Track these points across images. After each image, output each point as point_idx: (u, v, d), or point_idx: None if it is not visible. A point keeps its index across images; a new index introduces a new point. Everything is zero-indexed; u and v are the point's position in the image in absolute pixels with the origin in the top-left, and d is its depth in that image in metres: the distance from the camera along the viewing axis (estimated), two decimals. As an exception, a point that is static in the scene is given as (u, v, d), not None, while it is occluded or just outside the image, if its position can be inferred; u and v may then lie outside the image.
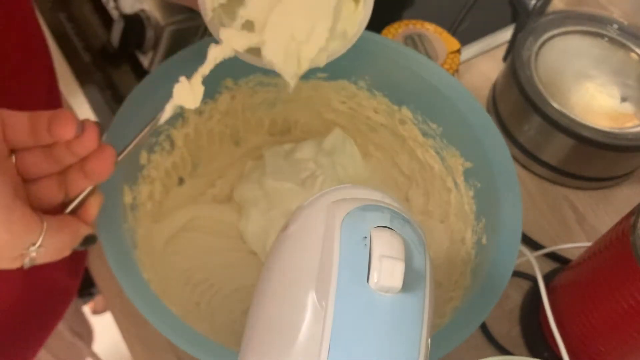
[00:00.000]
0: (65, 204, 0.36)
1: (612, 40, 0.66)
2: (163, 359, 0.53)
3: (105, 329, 0.90)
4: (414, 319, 0.28)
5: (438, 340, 0.40)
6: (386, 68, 0.52)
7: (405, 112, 0.54)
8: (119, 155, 0.36)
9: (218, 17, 0.39)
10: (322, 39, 0.37)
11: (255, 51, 0.39)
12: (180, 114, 0.51)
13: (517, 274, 0.58)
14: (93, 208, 0.37)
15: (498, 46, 0.74)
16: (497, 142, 0.49)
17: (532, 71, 0.63)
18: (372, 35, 0.50)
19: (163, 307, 0.41)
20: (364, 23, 0.39)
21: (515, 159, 0.65)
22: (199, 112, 0.52)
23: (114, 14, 0.63)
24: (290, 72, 0.39)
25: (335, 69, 0.53)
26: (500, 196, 0.47)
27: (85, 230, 0.36)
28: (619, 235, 0.44)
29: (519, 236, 0.45)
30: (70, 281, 0.62)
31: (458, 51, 0.63)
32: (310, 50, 0.38)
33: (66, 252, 0.35)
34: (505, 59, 0.72)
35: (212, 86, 0.52)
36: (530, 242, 0.60)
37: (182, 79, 0.37)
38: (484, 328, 0.55)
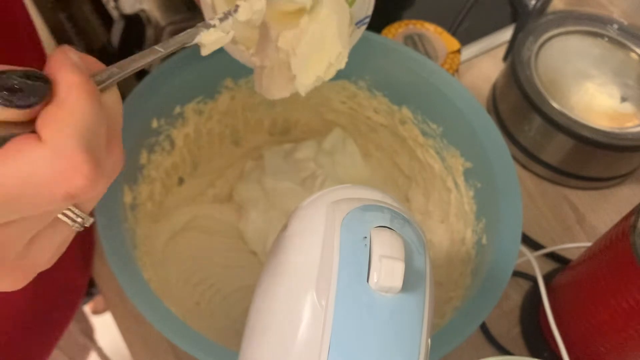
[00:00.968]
0: None
1: (612, 40, 0.66)
2: (163, 359, 0.53)
3: (105, 329, 0.90)
4: (414, 319, 0.28)
5: (438, 340, 0.40)
6: (386, 68, 0.52)
7: (406, 112, 0.54)
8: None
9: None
10: (343, 63, 0.40)
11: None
12: (180, 114, 0.51)
13: (517, 274, 0.58)
14: None
15: (498, 46, 0.74)
16: (497, 142, 0.49)
17: (532, 71, 0.63)
18: (372, 35, 0.50)
19: (163, 307, 0.41)
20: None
21: (515, 159, 0.65)
22: (198, 112, 0.52)
23: (114, 14, 0.63)
24: (305, 88, 0.40)
25: (335, 69, 0.53)
26: (500, 196, 0.46)
27: None
28: (619, 235, 0.44)
29: (519, 236, 0.45)
30: (81, 279, 0.62)
31: (458, 51, 0.63)
32: (330, 74, 0.40)
33: None
34: (505, 59, 0.72)
35: (212, 86, 0.52)
36: (530, 242, 0.60)
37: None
38: (484, 328, 0.55)
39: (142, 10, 0.59)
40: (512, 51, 0.65)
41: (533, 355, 0.54)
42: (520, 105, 0.62)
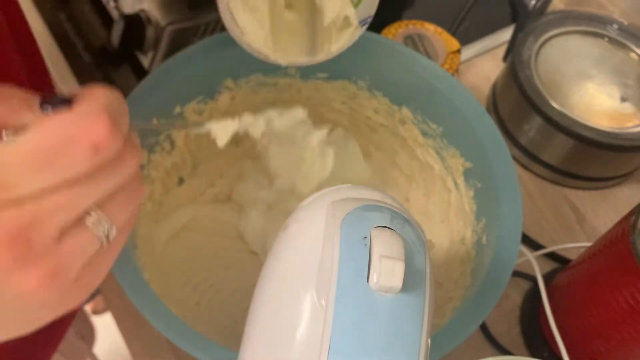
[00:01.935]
0: None
1: (612, 40, 0.66)
2: (163, 359, 0.53)
3: (105, 329, 0.90)
4: (414, 319, 0.28)
5: (438, 340, 0.40)
6: (386, 68, 0.52)
7: (405, 112, 0.54)
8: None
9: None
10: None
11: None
12: (180, 114, 0.51)
13: (517, 274, 0.58)
14: None
15: (498, 46, 0.74)
16: (497, 142, 0.48)
17: (532, 71, 0.63)
18: (372, 35, 0.50)
19: (163, 307, 0.41)
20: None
21: (515, 159, 0.65)
22: (198, 112, 0.52)
23: (114, 14, 0.63)
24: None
25: (335, 69, 0.53)
26: (500, 196, 0.46)
27: None
28: (619, 235, 0.44)
29: (519, 236, 0.45)
30: None
31: (458, 51, 0.63)
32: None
33: None
34: (505, 59, 0.72)
35: (212, 86, 0.52)
36: (530, 242, 0.60)
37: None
38: (484, 328, 0.55)
39: (142, 10, 0.59)
40: (512, 51, 0.65)
41: (533, 355, 0.54)
42: (520, 105, 0.62)
